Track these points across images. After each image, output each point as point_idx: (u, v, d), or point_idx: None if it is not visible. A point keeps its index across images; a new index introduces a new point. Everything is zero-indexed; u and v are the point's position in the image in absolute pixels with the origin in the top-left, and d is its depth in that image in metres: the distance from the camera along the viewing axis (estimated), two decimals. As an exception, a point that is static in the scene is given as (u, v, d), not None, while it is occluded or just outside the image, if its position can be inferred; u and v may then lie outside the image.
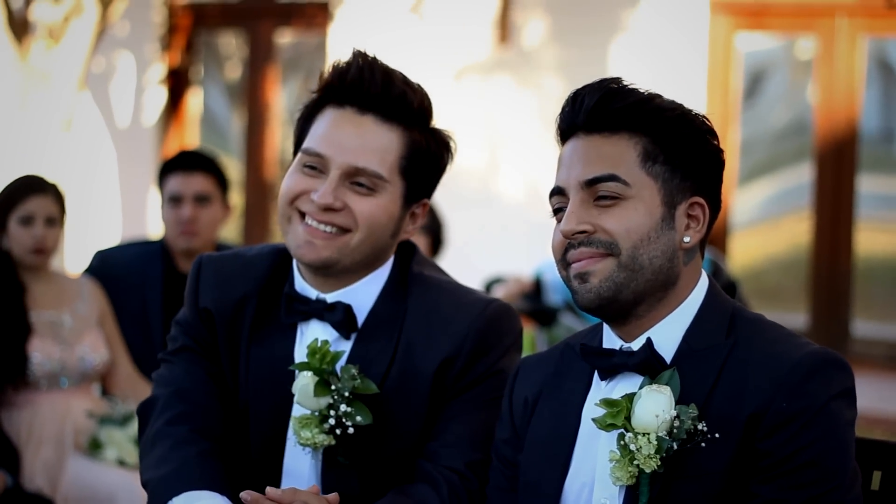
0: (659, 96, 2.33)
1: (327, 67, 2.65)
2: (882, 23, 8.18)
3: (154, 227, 9.71)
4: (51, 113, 8.75)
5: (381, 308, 2.66)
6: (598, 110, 2.31)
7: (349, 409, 2.55)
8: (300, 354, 2.64)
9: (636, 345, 2.30)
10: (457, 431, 2.60)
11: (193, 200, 4.93)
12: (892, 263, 8.45)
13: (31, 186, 4.63)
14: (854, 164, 8.20)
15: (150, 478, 2.57)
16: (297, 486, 2.54)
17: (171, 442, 2.59)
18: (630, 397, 2.24)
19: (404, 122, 2.62)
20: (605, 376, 2.33)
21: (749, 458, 2.20)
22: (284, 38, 10.07)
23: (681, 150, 2.30)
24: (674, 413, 2.19)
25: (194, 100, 10.36)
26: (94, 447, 4.45)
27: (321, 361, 2.56)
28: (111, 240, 9.27)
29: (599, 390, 2.34)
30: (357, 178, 2.59)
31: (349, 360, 2.62)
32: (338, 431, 2.56)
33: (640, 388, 2.24)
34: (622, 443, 2.22)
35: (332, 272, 2.63)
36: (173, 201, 4.95)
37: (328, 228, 2.59)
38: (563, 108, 2.36)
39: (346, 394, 2.55)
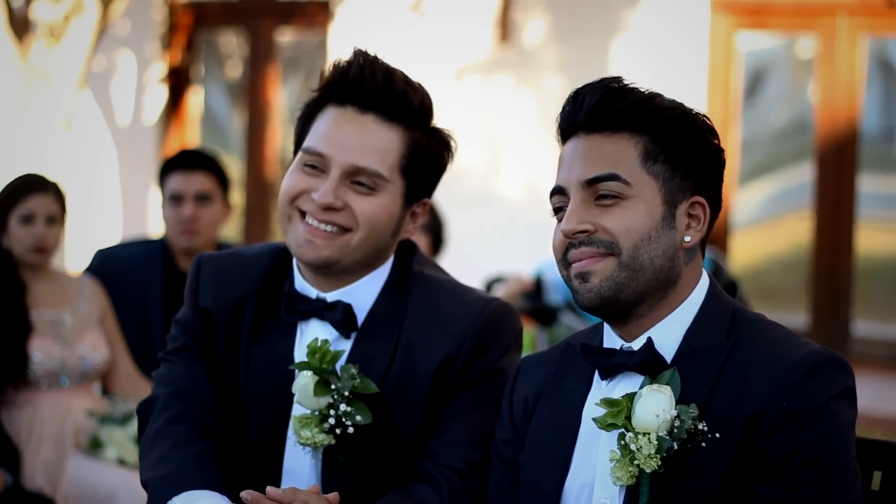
0: (659, 95, 2.33)
1: (328, 66, 2.65)
2: (882, 22, 8.18)
3: (155, 226, 9.71)
4: (51, 112, 8.75)
5: (381, 307, 2.65)
6: (598, 109, 2.31)
7: (349, 409, 2.55)
8: (300, 354, 2.64)
9: (637, 344, 2.30)
10: (457, 431, 2.59)
11: (194, 199, 4.92)
12: (892, 263, 8.45)
13: (31, 185, 4.62)
14: (854, 163, 8.20)
15: (149, 477, 2.57)
16: (297, 485, 2.54)
17: (171, 441, 2.58)
18: (630, 397, 2.24)
19: (405, 121, 2.62)
20: (605, 376, 2.33)
21: (749, 457, 2.20)
22: (285, 36, 10.07)
23: (681, 149, 2.30)
24: (674, 413, 2.19)
25: (195, 99, 10.36)
26: (94, 446, 4.45)
27: (321, 361, 2.56)
28: (112, 239, 9.27)
29: (600, 390, 2.34)
30: (358, 178, 2.59)
31: (349, 360, 2.62)
32: (338, 431, 2.56)
33: (641, 387, 2.24)
34: (622, 442, 2.22)
35: (333, 271, 2.63)
36: (174, 200, 4.94)
37: (329, 228, 2.58)
38: (564, 108, 2.36)
39: (346, 393, 2.55)
